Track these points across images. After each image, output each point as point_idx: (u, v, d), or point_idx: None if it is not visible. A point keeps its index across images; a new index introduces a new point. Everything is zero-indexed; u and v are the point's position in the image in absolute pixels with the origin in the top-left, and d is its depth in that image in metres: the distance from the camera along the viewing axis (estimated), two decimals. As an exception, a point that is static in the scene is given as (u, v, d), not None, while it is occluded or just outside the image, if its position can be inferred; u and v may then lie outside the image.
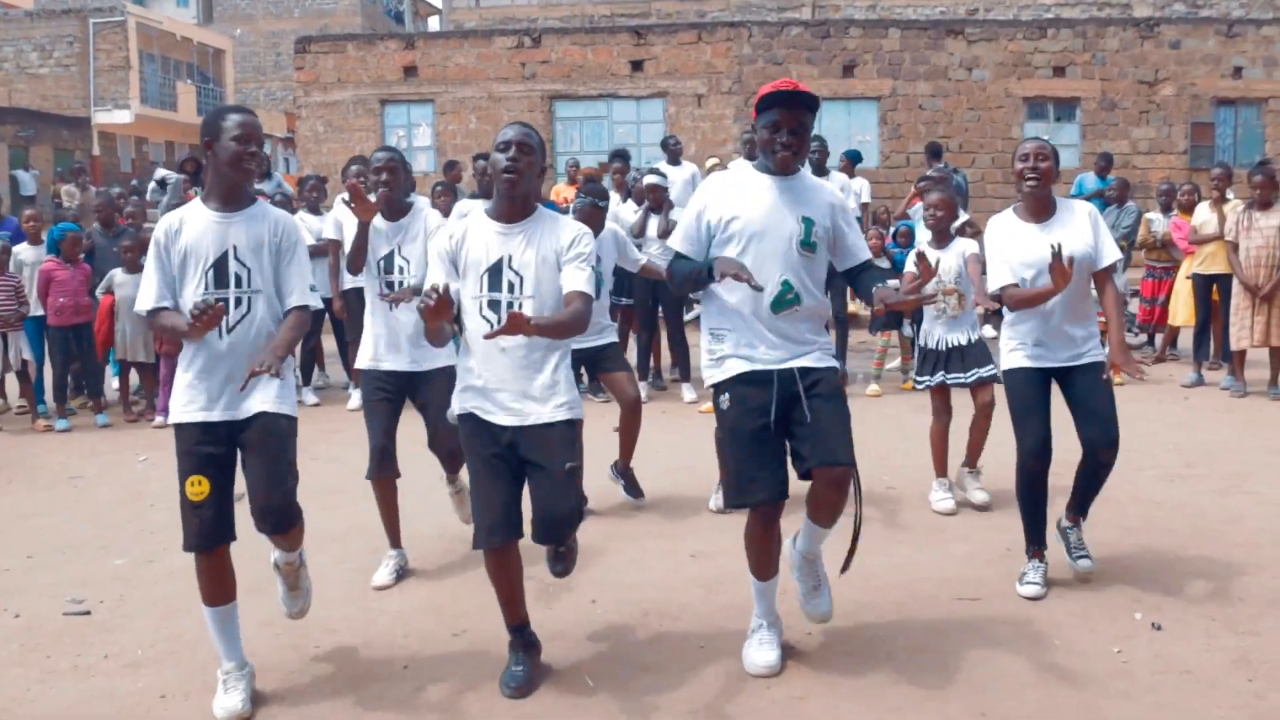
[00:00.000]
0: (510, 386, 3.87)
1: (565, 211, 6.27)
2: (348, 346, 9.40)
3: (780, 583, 4.22)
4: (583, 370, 6.41)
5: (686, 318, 10.37)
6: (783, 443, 4.00)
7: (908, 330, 9.55)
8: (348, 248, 5.29)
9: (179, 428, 3.88)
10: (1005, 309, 4.93)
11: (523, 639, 4.07)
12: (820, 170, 8.83)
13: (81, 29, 32.89)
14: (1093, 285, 4.90)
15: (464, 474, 5.14)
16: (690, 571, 5.12)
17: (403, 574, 5.16)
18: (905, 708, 3.77)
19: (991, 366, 6.08)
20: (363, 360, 5.21)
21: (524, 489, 3.96)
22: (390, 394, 5.15)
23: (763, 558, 4.10)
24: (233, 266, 3.80)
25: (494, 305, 3.86)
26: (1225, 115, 20.32)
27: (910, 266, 6.10)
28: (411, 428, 5.44)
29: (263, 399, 3.83)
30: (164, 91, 35.20)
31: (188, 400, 3.86)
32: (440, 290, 3.62)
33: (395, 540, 5.25)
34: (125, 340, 8.94)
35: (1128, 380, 9.73)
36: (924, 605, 4.66)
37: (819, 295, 4.07)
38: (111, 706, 3.89)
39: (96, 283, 9.10)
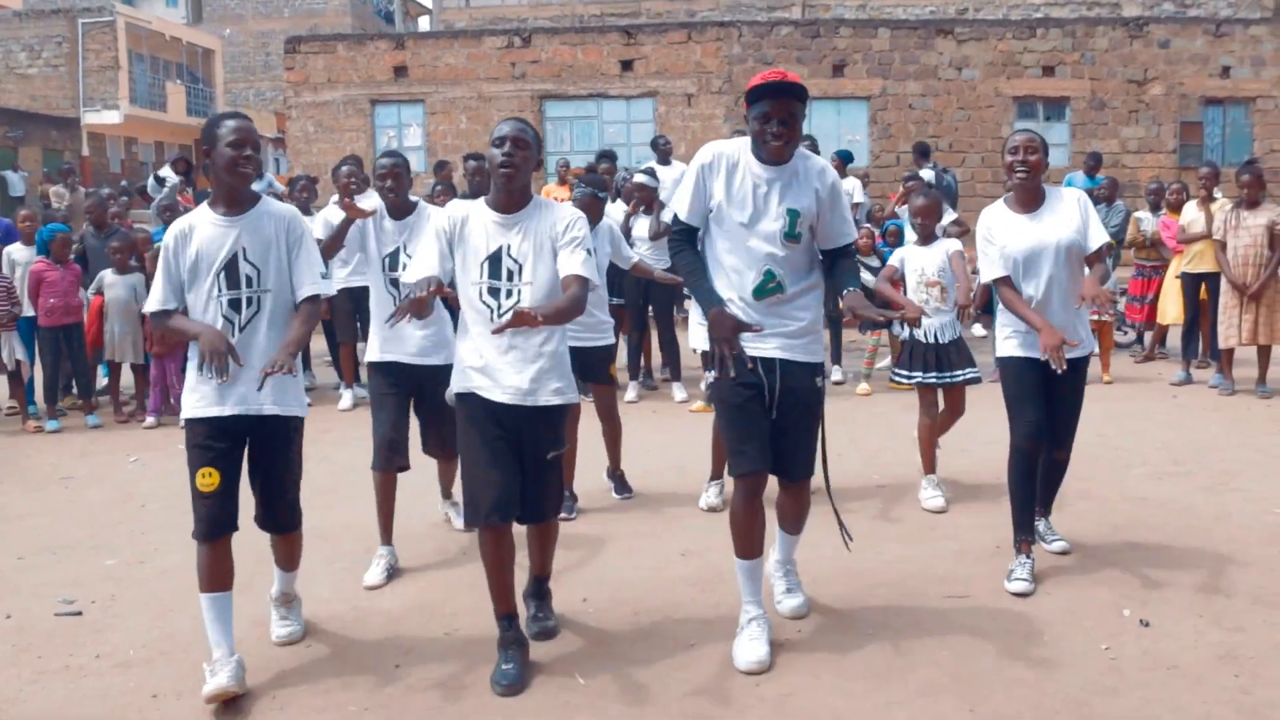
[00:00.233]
0: (509, 368, 4.00)
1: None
2: (338, 348, 9.40)
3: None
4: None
5: (676, 316, 10.37)
6: (768, 417, 4.13)
7: (897, 329, 9.57)
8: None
9: (191, 422, 3.99)
10: (996, 299, 5.04)
11: (512, 633, 4.10)
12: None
13: (70, 29, 32.82)
14: (1085, 269, 4.98)
15: (457, 493, 5.28)
16: (680, 570, 5.14)
17: (393, 572, 5.18)
18: (894, 704, 3.79)
19: (974, 370, 6.25)
20: (371, 354, 5.31)
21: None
22: (398, 387, 5.23)
23: (747, 532, 4.19)
24: (243, 268, 3.95)
25: (494, 292, 4.01)
26: (1213, 114, 20.42)
27: (885, 285, 6.39)
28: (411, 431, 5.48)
29: (273, 399, 3.97)
30: (153, 91, 35.14)
31: (200, 396, 3.96)
32: (432, 287, 3.77)
33: (387, 536, 5.27)
34: (114, 341, 8.92)
35: (1116, 378, 9.80)
36: (913, 602, 4.68)
37: (806, 279, 4.19)
38: (103, 706, 3.90)
39: (88, 283, 9.09)
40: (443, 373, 5.00)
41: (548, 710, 3.80)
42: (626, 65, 20.63)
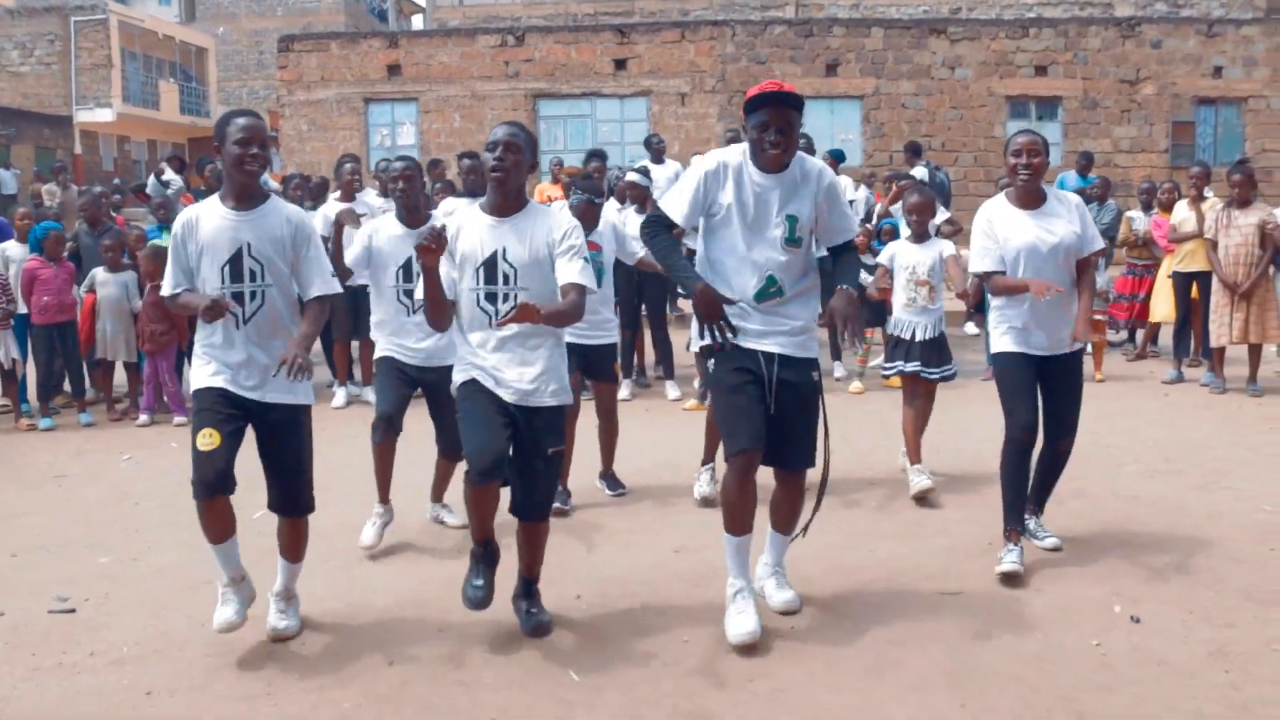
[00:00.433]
0: (509, 370, 4.12)
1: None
2: (333, 345, 9.39)
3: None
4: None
5: (670, 315, 10.39)
6: (764, 403, 4.23)
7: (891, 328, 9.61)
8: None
9: (200, 391, 4.15)
10: (990, 294, 5.11)
11: (484, 550, 4.31)
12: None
13: (63, 27, 32.71)
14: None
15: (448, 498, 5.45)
16: (674, 566, 5.15)
17: (387, 529, 5.49)
18: (887, 699, 3.80)
19: (952, 366, 6.50)
20: (380, 350, 5.48)
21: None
22: (405, 377, 5.43)
23: (738, 510, 4.29)
24: (247, 263, 4.11)
25: (491, 297, 4.13)
26: (1205, 114, 20.44)
27: (880, 280, 6.66)
28: (408, 429, 5.50)
29: (280, 388, 4.15)
30: (146, 90, 35.04)
31: (213, 371, 4.14)
32: (439, 231, 3.96)
33: (384, 495, 5.53)
34: (106, 339, 8.92)
35: (1109, 376, 9.83)
36: (905, 598, 4.70)
37: (803, 281, 4.31)
38: (98, 704, 3.90)
39: (81, 281, 9.07)
40: (449, 374, 5.08)
41: (542, 706, 3.81)
42: (620, 64, 20.62)
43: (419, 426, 5.81)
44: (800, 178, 4.23)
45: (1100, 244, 5.13)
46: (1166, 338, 10.75)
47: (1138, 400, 9.03)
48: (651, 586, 4.90)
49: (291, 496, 4.31)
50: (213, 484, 4.04)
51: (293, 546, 4.43)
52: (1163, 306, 10.47)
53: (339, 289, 4.36)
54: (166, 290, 4.24)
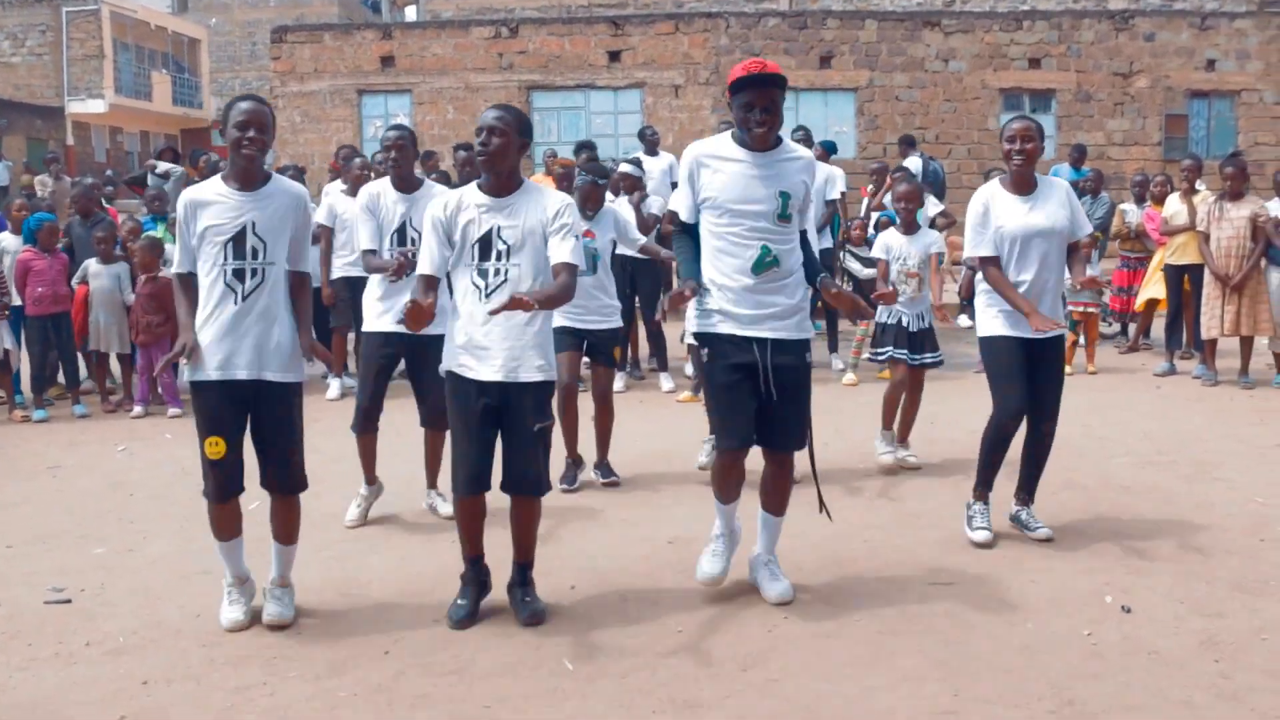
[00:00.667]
0: (497, 346, 4.22)
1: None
2: (330, 334, 9.37)
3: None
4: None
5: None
6: (756, 396, 4.37)
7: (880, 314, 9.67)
8: (339, 234, 5.52)
9: (199, 385, 4.25)
10: (981, 278, 5.25)
11: (474, 573, 4.47)
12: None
13: (55, 17, 32.63)
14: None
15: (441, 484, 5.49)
16: (667, 557, 5.17)
17: (371, 505, 5.73)
18: (879, 689, 3.82)
19: (938, 354, 6.69)
20: (367, 324, 5.63)
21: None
22: (387, 357, 5.59)
23: (727, 485, 4.57)
24: (250, 241, 4.22)
25: (483, 273, 4.24)
26: (1199, 107, 20.49)
27: (883, 273, 6.74)
28: (395, 420, 5.50)
29: (273, 366, 4.27)
30: (138, 81, 34.96)
31: (210, 359, 4.22)
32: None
33: (370, 476, 5.75)
34: (99, 331, 8.90)
35: (1101, 369, 9.86)
36: (898, 589, 4.72)
37: (797, 257, 4.43)
38: (94, 693, 3.91)
39: (74, 272, 9.06)
40: (435, 343, 5.07)
41: (536, 696, 3.83)
42: (614, 56, 20.62)
43: (409, 419, 5.82)
44: (789, 158, 4.39)
45: (1089, 228, 5.30)
46: (1158, 330, 10.78)
47: (1130, 392, 9.07)
48: (645, 577, 4.91)
49: (285, 472, 4.39)
50: (225, 488, 4.30)
51: (286, 528, 4.47)
52: (1152, 289, 10.51)
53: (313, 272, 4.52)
54: (177, 269, 4.34)
